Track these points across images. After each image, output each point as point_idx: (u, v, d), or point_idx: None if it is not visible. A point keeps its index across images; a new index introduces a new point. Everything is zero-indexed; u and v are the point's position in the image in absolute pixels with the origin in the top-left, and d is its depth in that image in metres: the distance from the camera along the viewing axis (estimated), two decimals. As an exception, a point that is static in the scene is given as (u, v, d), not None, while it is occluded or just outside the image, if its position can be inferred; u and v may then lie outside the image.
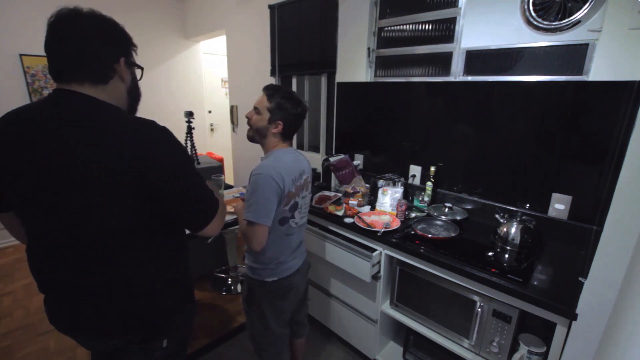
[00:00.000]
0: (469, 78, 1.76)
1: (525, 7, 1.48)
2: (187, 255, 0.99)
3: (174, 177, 0.79)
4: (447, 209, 1.73)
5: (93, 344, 0.94)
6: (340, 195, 2.05)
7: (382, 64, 2.18)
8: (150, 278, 0.87)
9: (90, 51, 0.77)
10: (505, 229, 1.43)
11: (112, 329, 0.86)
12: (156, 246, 0.87)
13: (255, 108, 1.27)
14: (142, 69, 0.91)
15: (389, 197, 1.82)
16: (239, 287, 2.57)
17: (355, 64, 2.23)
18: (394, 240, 1.51)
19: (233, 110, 3.68)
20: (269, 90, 1.25)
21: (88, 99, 0.77)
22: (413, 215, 1.79)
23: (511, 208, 1.61)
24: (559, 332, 1.09)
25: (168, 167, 0.78)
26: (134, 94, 0.91)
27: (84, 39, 0.76)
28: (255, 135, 1.29)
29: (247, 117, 1.29)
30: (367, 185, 2.00)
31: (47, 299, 0.88)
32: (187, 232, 0.95)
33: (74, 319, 0.86)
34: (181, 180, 0.81)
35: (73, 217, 0.76)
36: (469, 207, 1.77)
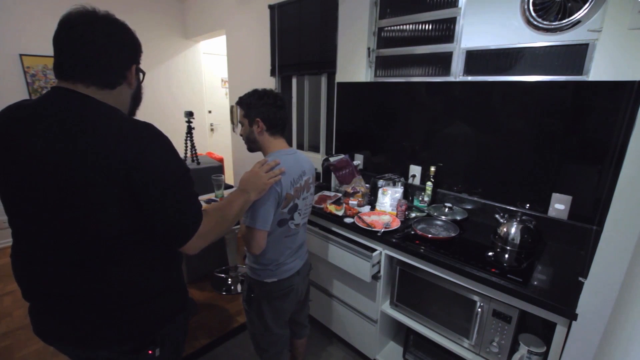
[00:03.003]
0: (469, 78, 1.76)
1: (525, 7, 1.48)
2: (180, 263, 0.97)
3: (158, 182, 0.75)
4: (447, 209, 1.73)
5: (80, 356, 0.88)
6: (340, 195, 2.05)
7: (382, 64, 2.18)
8: (144, 286, 0.84)
9: (104, 58, 0.76)
10: (505, 229, 1.43)
11: (102, 339, 0.82)
12: (150, 253, 0.85)
13: (240, 122, 1.32)
14: (144, 73, 0.91)
15: (389, 197, 1.82)
16: (239, 287, 2.57)
17: (355, 64, 2.23)
18: (394, 240, 1.51)
19: (233, 110, 3.68)
20: (238, 101, 1.31)
21: (87, 99, 0.75)
22: (413, 215, 1.79)
23: (511, 208, 1.61)
24: (559, 332, 1.09)
25: (154, 171, 0.74)
26: (137, 99, 0.91)
27: (100, 44, 0.75)
28: (250, 144, 1.33)
29: (240, 134, 1.35)
30: (367, 185, 2.00)
31: (32, 307, 0.84)
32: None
33: (62, 328, 0.82)
34: (166, 188, 0.76)
35: (63, 220, 0.74)
36: (469, 207, 1.77)
